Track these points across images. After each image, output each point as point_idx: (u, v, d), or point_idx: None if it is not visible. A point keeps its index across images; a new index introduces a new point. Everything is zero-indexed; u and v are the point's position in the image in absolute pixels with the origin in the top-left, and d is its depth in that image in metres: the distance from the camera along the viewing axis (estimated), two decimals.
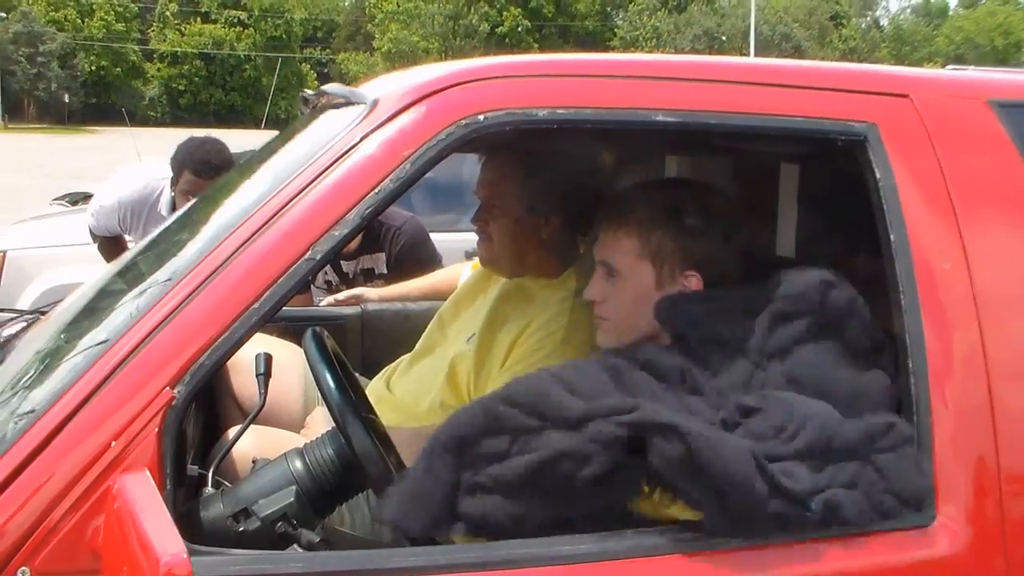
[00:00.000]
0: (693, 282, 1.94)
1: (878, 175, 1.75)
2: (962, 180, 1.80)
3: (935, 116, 1.83)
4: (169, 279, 1.61)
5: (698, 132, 1.79)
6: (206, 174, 3.95)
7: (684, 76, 1.79)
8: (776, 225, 2.33)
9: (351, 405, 1.79)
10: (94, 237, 4.56)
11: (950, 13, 66.41)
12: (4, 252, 5.52)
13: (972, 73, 2.15)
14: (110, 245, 4.48)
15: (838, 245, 2.17)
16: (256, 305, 1.53)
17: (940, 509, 1.66)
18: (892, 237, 1.73)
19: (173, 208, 4.18)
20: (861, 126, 1.77)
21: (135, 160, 6.94)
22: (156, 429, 1.47)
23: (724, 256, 1.97)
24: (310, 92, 2.35)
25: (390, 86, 1.78)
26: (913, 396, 1.68)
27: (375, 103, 1.70)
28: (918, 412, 1.67)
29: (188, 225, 2.14)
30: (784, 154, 2.22)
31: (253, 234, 1.57)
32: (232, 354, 1.54)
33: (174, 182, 4.12)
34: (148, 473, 1.44)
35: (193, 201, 2.62)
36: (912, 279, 1.71)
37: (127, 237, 4.50)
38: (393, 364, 2.74)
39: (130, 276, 2.04)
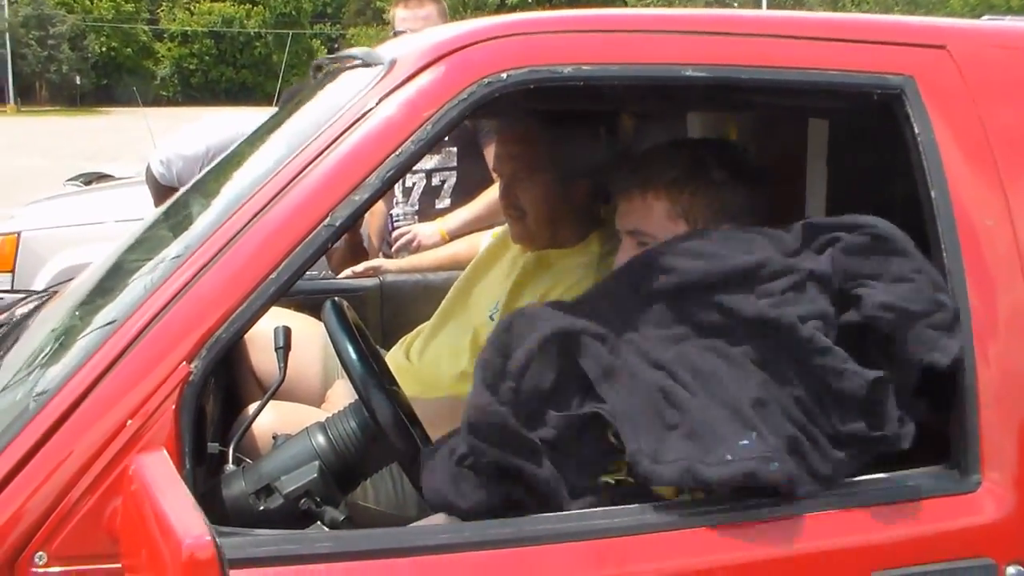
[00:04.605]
0: None
1: (916, 129, 1.69)
2: (1004, 133, 1.73)
3: (974, 67, 1.76)
4: (184, 250, 1.55)
5: (729, 88, 1.72)
6: None
7: (713, 30, 1.72)
8: (804, 183, 2.27)
9: (374, 377, 1.74)
10: (156, 188, 4.50)
11: None
12: (18, 233, 5.49)
13: (1010, 23, 2.07)
14: (168, 196, 4.46)
15: (871, 203, 2.12)
16: (274, 275, 1.47)
17: (985, 474, 1.61)
18: (933, 194, 1.67)
19: None
20: (897, 79, 1.71)
21: (148, 140, 6.89)
22: (173, 406, 1.42)
23: (754, 207, 1.94)
24: (325, 59, 2.29)
25: (408, 46, 1.72)
26: None
27: (393, 63, 1.64)
28: (963, 375, 1.62)
29: (202, 194, 2.08)
30: (813, 109, 2.16)
31: (269, 201, 1.52)
32: (250, 327, 1.49)
33: None
34: (166, 452, 1.39)
35: (208, 168, 2.57)
36: (954, 237, 1.65)
37: None
38: (412, 334, 2.70)
39: (144, 249, 1.99)
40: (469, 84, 1.56)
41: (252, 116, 4.23)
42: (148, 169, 4.55)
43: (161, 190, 4.46)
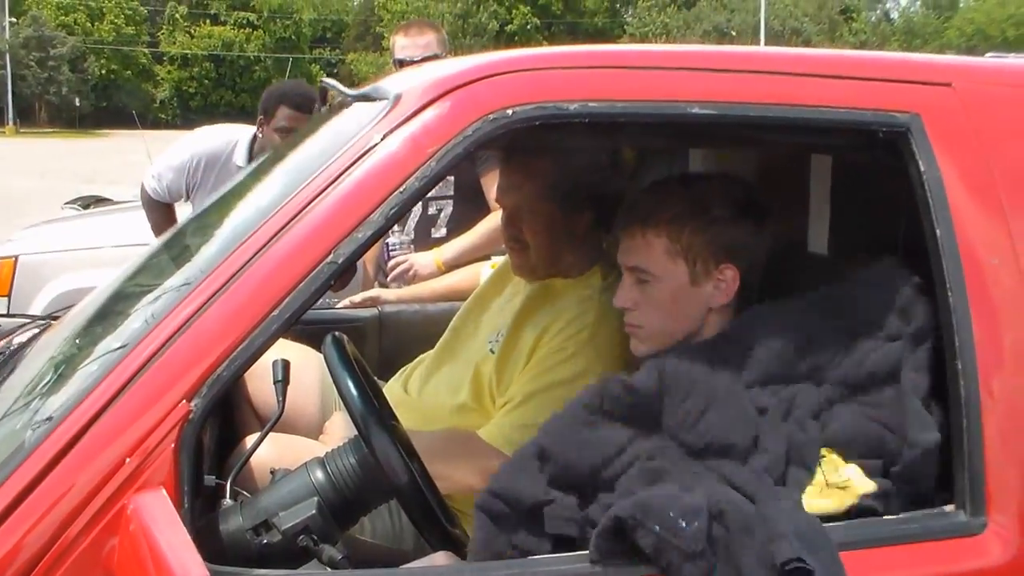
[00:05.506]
0: (729, 274, 1.90)
1: (922, 167, 1.68)
2: (1009, 171, 1.73)
3: (980, 105, 1.76)
4: (184, 285, 1.54)
5: (735, 125, 1.72)
6: (305, 108, 3.92)
7: (721, 67, 1.72)
8: (807, 220, 2.26)
9: (374, 414, 1.73)
10: (150, 205, 4.50)
11: (960, 5, 66.37)
12: (16, 257, 5.46)
13: (1015, 60, 2.07)
14: (161, 213, 4.45)
15: (874, 241, 2.11)
16: (276, 313, 1.46)
17: (991, 516, 1.60)
18: (938, 232, 1.66)
19: (250, 158, 4.15)
20: (904, 117, 1.70)
21: (147, 163, 6.89)
22: (172, 444, 1.40)
23: (755, 244, 1.94)
24: (328, 81, 2.28)
25: (412, 81, 1.71)
26: (962, 396, 1.61)
27: (397, 98, 1.62)
28: (967, 413, 1.61)
29: (204, 226, 2.07)
30: (817, 146, 2.15)
31: (272, 237, 1.50)
32: (251, 364, 1.47)
33: (265, 123, 4.08)
34: (164, 491, 1.37)
35: (214, 197, 2.56)
36: (960, 275, 1.64)
37: (182, 203, 4.45)
38: (410, 365, 2.68)
39: (144, 281, 1.98)
40: (474, 120, 1.54)
41: (239, 127, 4.24)
42: (143, 188, 4.55)
43: (155, 206, 4.47)
